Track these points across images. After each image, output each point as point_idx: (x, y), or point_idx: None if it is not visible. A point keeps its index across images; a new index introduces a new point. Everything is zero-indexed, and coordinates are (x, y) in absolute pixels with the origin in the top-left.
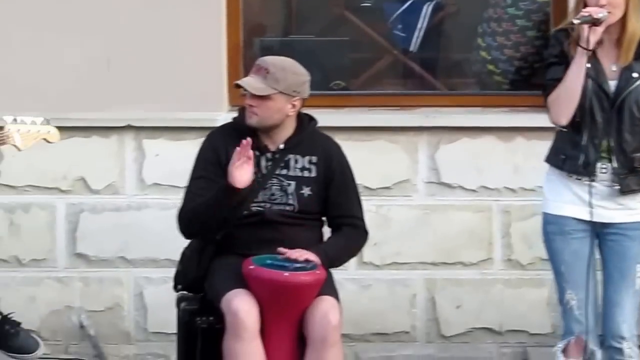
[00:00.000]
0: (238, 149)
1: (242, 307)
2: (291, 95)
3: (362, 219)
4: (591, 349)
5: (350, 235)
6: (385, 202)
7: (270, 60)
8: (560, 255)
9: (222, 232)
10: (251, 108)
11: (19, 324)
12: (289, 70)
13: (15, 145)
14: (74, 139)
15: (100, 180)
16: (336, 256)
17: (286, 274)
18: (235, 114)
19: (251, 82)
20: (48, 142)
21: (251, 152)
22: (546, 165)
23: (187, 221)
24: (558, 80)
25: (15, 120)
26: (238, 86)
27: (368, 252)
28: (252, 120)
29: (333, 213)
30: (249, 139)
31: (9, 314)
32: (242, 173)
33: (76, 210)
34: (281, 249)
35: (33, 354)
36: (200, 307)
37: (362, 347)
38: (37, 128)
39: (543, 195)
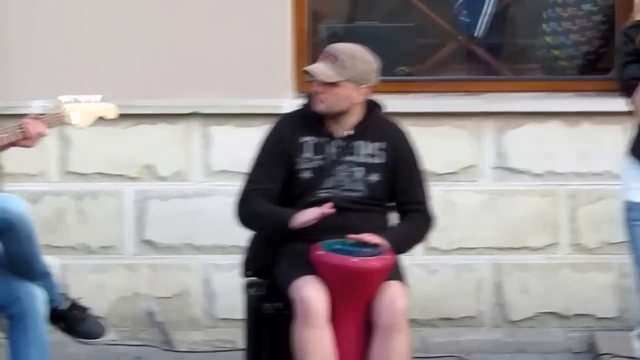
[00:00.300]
0: (319, 211)
1: (311, 294)
2: (359, 82)
3: (428, 205)
4: None
5: (417, 222)
6: (451, 187)
7: (339, 47)
8: None
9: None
10: (319, 95)
11: (87, 308)
12: (358, 58)
13: (74, 124)
14: (141, 126)
15: (167, 167)
16: (404, 243)
17: (355, 259)
18: (300, 101)
19: (320, 69)
20: (106, 119)
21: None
22: (625, 154)
23: (244, 218)
24: (637, 79)
25: (72, 99)
26: (307, 72)
27: (435, 237)
28: (319, 107)
29: (400, 199)
30: (333, 209)
31: (78, 298)
32: (306, 223)
33: (144, 197)
34: (351, 236)
35: (101, 338)
36: (268, 293)
37: (428, 332)
38: (94, 106)
39: (624, 182)
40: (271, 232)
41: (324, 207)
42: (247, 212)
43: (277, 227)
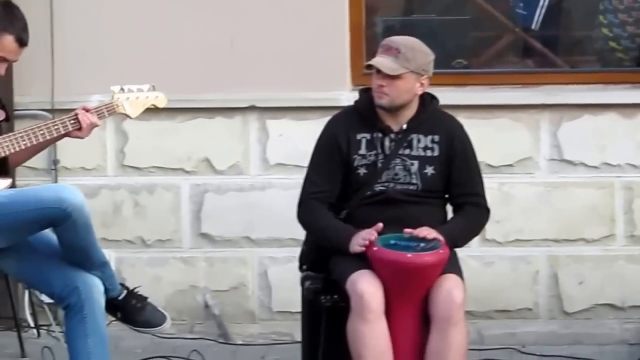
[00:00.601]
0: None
1: (367, 288)
2: (420, 74)
3: (484, 197)
4: None
5: (472, 214)
6: (507, 179)
7: (399, 40)
8: None
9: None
10: (381, 88)
11: (145, 298)
12: (418, 49)
13: (125, 114)
14: (198, 120)
15: (224, 160)
16: (460, 236)
17: (409, 254)
18: (357, 94)
19: (383, 62)
20: (157, 107)
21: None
22: None
23: (305, 226)
24: None
25: (122, 89)
26: (369, 67)
27: (491, 229)
28: (382, 101)
29: (455, 191)
30: (380, 224)
31: (135, 288)
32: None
33: (200, 190)
34: (407, 230)
35: (160, 327)
36: (325, 286)
37: (484, 324)
38: (145, 94)
39: None
40: (330, 246)
41: (375, 227)
42: (308, 221)
43: (336, 248)
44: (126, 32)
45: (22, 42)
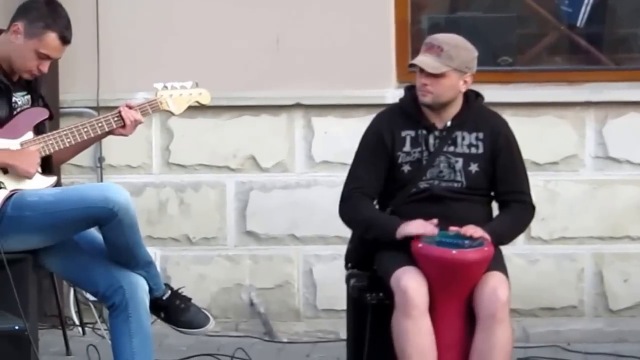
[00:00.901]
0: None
1: (411, 284)
2: (463, 71)
3: (529, 195)
4: None
5: (517, 212)
6: (552, 177)
7: (442, 38)
8: None
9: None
10: (425, 87)
11: (189, 299)
12: (461, 46)
13: (169, 111)
14: (243, 118)
15: (269, 158)
16: (505, 234)
17: (454, 251)
18: (402, 91)
19: (426, 61)
20: (200, 104)
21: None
22: None
23: (348, 221)
24: None
25: (165, 86)
26: (412, 65)
27: (536, 227)
28: (426, 99)
29: (500, 189)
30: (435, 220)
31: (179, 288)
32: (411, 232)
33: (246, 188)
34: (453, 227)
35: (203, 328)
36: (370, 284)
37: (529, 322)
38: (189, 91)
39: None
40: (374, 238)
41: (431, 221)
42: (351, 216)
43: (382, 236)
44: (171, 30)
45: (65, 40)
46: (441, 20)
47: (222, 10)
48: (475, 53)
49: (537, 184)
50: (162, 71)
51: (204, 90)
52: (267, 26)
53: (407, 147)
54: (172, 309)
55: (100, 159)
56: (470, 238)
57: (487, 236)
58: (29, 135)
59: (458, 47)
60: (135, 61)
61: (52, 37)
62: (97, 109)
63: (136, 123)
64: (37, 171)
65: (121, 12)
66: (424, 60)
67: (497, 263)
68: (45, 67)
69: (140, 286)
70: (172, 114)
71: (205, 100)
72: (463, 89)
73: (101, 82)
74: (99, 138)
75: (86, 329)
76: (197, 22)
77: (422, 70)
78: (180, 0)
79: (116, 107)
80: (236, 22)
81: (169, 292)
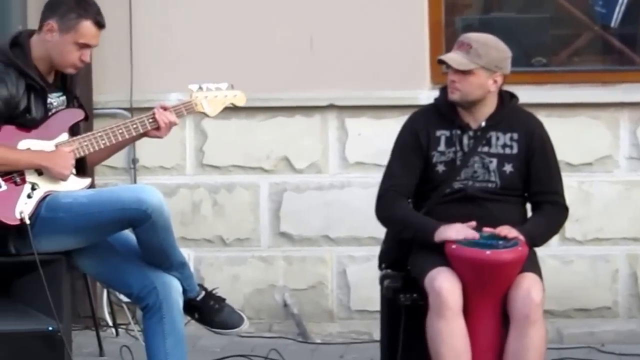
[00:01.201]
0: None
1: (445, 285)
2: (493, 70)
3: (562, 195)
4: None
5: (552, 213)
6: (587, 178)
7: (472, 36)
8: None
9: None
10: (453, 84)
11: (223, 299)
12: (491, 45)
13: (204, 113)
14: (277, 119)
15: (303, 159)
16: (539, 235)
17: (488, 252)
18: (436, 92)
19: (454, 57)
20: (235, 106)
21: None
22: None
23: (384, 220)
24: None
25: (200, 87)
26: (441, 62)
27: (570, 228)
28: (454, 96)
29: (533, 189)
30: (473, 222)
31: (213, 289)
32: (450, 237)
33: (279, 189)
34: (487, 229)
35: (237, 329)
36: (404, 285)
37: (563, 323)
38: (224, 93)
39: None
40: (411, 238)
41: (469, 225)
42: (388, 215)
43: (419, 237)
44: (205, 31)
45: (99, 24)
46: (475, 21)
47: (255, 10)
48: (508, 53)
49: (572, 185)
50: (195, 72)
51: (239, 92)
52: (300, 27)
53: (441, 147)
54: (206, 309)
55: (134, 160)
56: (505, 238)
57: (521, 237)
58: (64, 136)
59: (488, 45)
60: (168, 62)
61: (87, 25)
62: (130, 110)
63: (171, 125)
64: (72, 173)
65: (154, 13)
66: (452, 56)
67: (531, 264)
68: (86, 56)
69: (174, 287)
70: (207, 115)
71: (241, 102)
72: (493, 88)
73: (134, 83)
74: (133, 140)
75: (119, 330)
76: (231, 23)
77: (450, 67)
78: (213, 1)
79: (149, 108)
80: (270, 23)
81: (203, 292)
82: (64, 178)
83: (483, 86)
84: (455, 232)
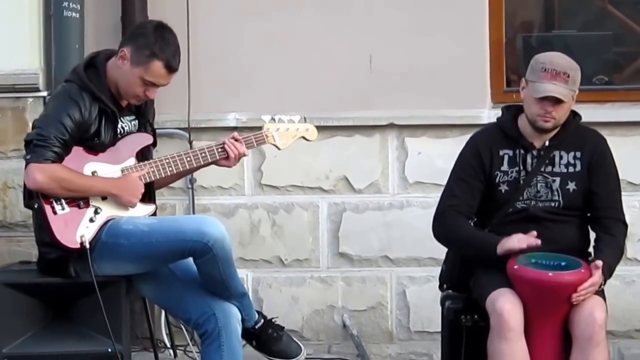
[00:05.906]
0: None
1: (506, 307)
2: (575, 91)
3: (623, 212)
4: None
5: (617, 235)
6: None
7: (564, 63)
8: None
9: None
10: (549, 114)
11: (282, 328)
12: (577, 68)
13: (275, 145)
14: (336, 138)
15: (362, 179)
16: (615, 263)
17: (550, 273)
18: (497, 111)
19: (559, 91)
20: (306, 139)
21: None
22: None
23: (443, 238)
24: None
25: (273, 119)
26: (545, 98)
27: (632, 248)
28: (548, 124)
29: (596, 205)
30: (538, 241)
31: (273, 318)
32: (512, 250)
33: (339, 209)
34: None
35: (295, 359)
36: (465, 306)
37: (625, 344)
38: (296, 126)
39: None
40: (472, 256)
41: (530, 234)
42: (447, 233)
43: (482, 253)
44: (263, 51)
45: (171, 68)
46: (536, 39)
47: (314, 30)
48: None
49: (634, 205)
50: (253, 92)
51: (311, 126)
52: (360, 46)
53: (504, 167)
54: (265, 337)
55: (192, 181)
56: (566, 259)
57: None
58: (131, 161)
59: (576, 69)
60: (227, 82)
61: (157, 66)
62: (188, 129)
63: (240, 156)
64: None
65: (212, 33)
66: (557, 90)
67: None
68: (152, 93)
69: (233, 314)
70: (278, 148)
71: (312, 136)
72: (572, 107)
73: (192, 103)
74: (200, 167)
75: (177, 351)
76: (289, 43)
77: (545, 98)
78: (271, 20)
79: (207, 129)
80: (329, 43)
81: (262, 320)
82: (132, 206)
83: (570, 108)
84: (517, 240)
